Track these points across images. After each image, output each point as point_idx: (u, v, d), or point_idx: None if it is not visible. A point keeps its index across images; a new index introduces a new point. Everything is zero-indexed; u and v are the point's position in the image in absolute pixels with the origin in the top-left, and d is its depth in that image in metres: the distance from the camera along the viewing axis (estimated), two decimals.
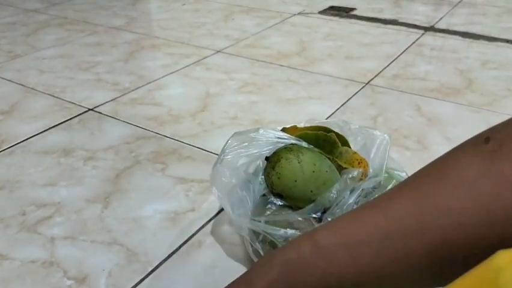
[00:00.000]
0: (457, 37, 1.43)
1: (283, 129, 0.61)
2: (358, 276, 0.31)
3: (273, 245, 0.52)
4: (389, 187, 0.56)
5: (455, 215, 0.28)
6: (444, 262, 0.29)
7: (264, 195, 0.57)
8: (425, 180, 0.31)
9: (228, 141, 0.59)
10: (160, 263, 0.59)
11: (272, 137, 0.58)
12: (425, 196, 0.30)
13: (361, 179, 0.55)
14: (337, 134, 0.61)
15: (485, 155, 0.29)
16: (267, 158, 0.56)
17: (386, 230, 0.30)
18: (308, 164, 0.54)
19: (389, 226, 0.30)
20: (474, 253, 0.27)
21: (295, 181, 0.53)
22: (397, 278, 0.31)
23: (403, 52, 1.31)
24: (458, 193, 0.29)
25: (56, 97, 1.05)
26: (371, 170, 0.59)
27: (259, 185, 0.56)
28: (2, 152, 0.84)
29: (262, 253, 0.53)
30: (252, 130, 0.59)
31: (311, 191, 0.53)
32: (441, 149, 0.84)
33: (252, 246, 0.53)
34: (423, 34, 1.45)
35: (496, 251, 0.23)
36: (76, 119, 0.95)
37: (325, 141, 0.60)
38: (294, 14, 1.67)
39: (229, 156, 0.57)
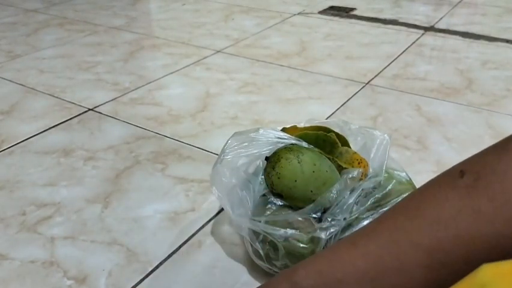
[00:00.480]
0: (457, 37, 1.43)
1: (283, 129, 0.61)
2: None
3: (272, 245, 0.52)
4: (389, 187, 0.56)
5: (434, 253, 0.28)
6: None
7: (264, 195, 0.57)
8: (402, 217, 0.31)
9: (228, 141, 0.59)
10: (160, 263, 0.59)
11: (272, 137, 0.58)
12: (403, 233, 0.30)
13: (361, 179, 0.55)
14: (337, 134, 0.61)
15: (461, 190, 0.29)
16: (267, 158, 0.56)
17: (364, 269, 0.31)
18: (308, 164, 0.54)
19: (367, 265, 0.31)
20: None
21: (295, 181, 0.53)
22: None
23: (403, 52, 1.31)
24: (436, 231, 0.29)
25: (56, 97, 1.05)
26: (371, 170, 0.59)
27: (259, 185, 0.56)
28: (2, 152, 0.84)
29: (262, 253, 0.53)
30: (252, 130, 0.59)
31: (311, 191, 0.53)
32: (441, 149, 0.84)
33: (252, 246, 0.53)
34: (423, 34, 1.45)
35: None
36: (76, 119, 0.95)
37: (325, 141, 0.60)
38: (294, 14, 1.67)
39: (229, 156, 0.57)
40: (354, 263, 0.31)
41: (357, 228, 0.52)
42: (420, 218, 0.30)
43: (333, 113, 0.97)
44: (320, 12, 1.70)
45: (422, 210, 0.30)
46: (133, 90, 1.08)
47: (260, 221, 0.52)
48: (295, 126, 0.63)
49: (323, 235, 0.50)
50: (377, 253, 0.31)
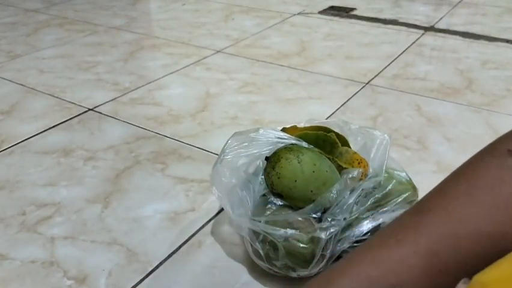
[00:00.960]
0: (457, 37, 1.43)
1: (283, 129, 0.61)
2: None
3: (272, 245, 0.52)
4: (389, 187, 0.56)
5: (497, 240, 0.27)
6: None
7: (264, 195, 0.57)
8: (454, 204, 0.29)
9: (228, 141, 0.59)
10: (160, 263, 0.59)
11: (272, 137, 0.58)
12: (460, 224, 0.28)
13: (361, 179, 0.55)
14: (337, 134, 0.61)
15: None
16: (267, 158, 0.56)
17: (421, 269, 0.28)
18: (308, 164, 0.54)
19: (422, 263, 0.28)
20: None
21: (295, 181, 0.53)
22: None
23: (403, 52, 1.31)
24: (495, 215, 0.27)
25: (56, 97, 1.05)
26: (371, 170, 0.59)
27: (259, 185, 0.56)
28: (2, 152, 0.84)
29: (262, 253, 0.53)
30: (252, 130, 0.59)
31: (311, 191, 0.53)
32: (441, 149, 0.84)
33: (252, 246, 0.53)
34: (423, 34, 1.45)
35: None
36: (76, 119, 0.95)
37: (325, 141, 0.60)
38: (294, 14, 1.67)
39: (229, 156, 0.57)
40: (406, 262, 0.28)
41: (358, 228, 0.52)
42: (476, 205, 0.28)
43: (333, 113, 0.97)
44: (320, 12, 1.70)
45: (477, 196, 0.28)
46: (133, 90, 1.08)
47: (260, 221, 0.52)
48: (295, 126, 0.63)
49: (323, 235, 0.50)
50: (432, 248, 0.28)
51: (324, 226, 0.51)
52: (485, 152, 0.30)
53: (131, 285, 0.56)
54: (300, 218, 0.52)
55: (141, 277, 0.57)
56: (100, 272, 0.58)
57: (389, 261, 0.29)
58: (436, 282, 0.27)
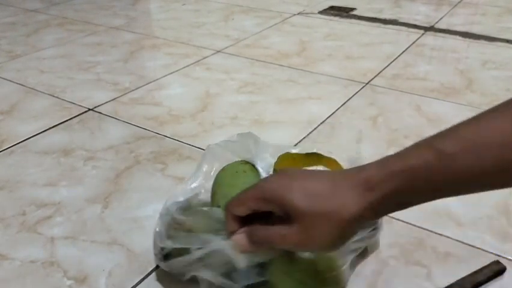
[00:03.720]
0: (457, 37, 1.43)
1: (279, 157, 0.56)
2: (481, 177, 0.34)
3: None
4: None
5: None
6: None
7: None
8: None
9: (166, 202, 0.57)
10: None
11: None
12: None
13: None
14: (329, 161, 0.56)
15: None
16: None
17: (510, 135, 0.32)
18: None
19: None
20: None
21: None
22: None
23: (403, 52, 1.31)
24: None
25: (56, 97, 1.05)
26: None
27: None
28: (2, 152, 0.84)
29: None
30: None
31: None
32: None
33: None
34: (423, 34, 1.45)
35: None
36: (76, 119, 0.95)
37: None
38: (294, 14, 1.67)
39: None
40: (501, 129, 0.33)
41: None
42: None
43: (333, 113, 0.97)
44: (320, 12, 1.70)
45: None
46: (133, 90, 1.08)
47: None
48: (289, 153, 0.58)
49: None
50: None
51: None
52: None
53: (131, 285, 0.56)
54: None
55: (141, 277, 0.57)
56: (100, 272, 0.58)
57: (487, 128, 0.34)
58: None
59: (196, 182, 0.58)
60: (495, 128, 0.33)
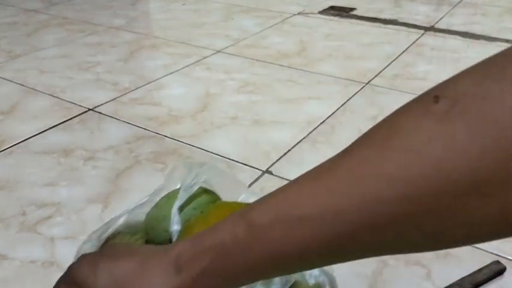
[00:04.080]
0: (457, 37, 1.43)
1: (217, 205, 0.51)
2: (302, 253, 0.29)
3: None
4: None
5: (400, 185, 0.25)
6: (394, 236, 0.27)
7: None
8: (367, 147, 0.28)
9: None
10: None
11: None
12: (368, 164, 0.27)
13: None
14: None
15: (435, 116, 0.26)
16: None
17: (327, 206, 0.27)
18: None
19: (330, 201, 0.27)
20: (425, 223, 0.25)
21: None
22: (348, 250, 0.29)
23: (403, 52, 1.31)
24: (405, 160, 0.25)
25: (56, 97, 1.05)
26: None
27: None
28: (2, 152, 0.84)
29: None
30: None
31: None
32: None
33: None
34: (423, 34, 1.45)
35: (448, 223, 0.23)
36: (76, 119, 0.95)
37: None
38: (294, 14, 1.67)
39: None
40: (315, 199, 0.28)
41: None
42: (387, 149, 0.27)
43: (333, 113, 0.97)
44: (320, 12, 1.70)
45: (390, 140, 0.27)
46: (133, 90, 1.08)
47: None
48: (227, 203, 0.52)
49: None
50: (340, 188, 0.27)
51: None
52: (414, 99, 0.29)
53: None
54: None
55: None
56: None
57: (302, 197, 0.29)
58: (339, 221, 0.27)
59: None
60: (309, 198, 0.28)
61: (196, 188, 0.49)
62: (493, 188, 0.24)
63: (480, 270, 0.57)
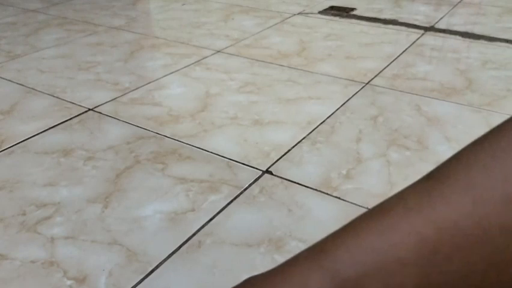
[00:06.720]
0: (457, 37, 1.43)
1: None
2: None
3: None
4: None
5: None
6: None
7: None
8: (477, 168, 0.24)
9: None
10: (160, 263, 0.59)
11: None
12: (480, 189, 0.23)
13: None
14: None
15: None
16: None
17: (435, 241, 0.23)
18: None
19: (438, 235, 0.23)
20: None
21: None
22: None
23: (403, 52, 1.31)
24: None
25: (56, 97, 1.05)
26: None
27: None
28: (2, 152, 0.84)
29: None
30: None
31: None
32: (441, 149, 0.84)
33: None
34: (423, 34, 1.45)
35: None
36: (76, 119, 0.95)
37: None
38: (294, 14, 1.67)
39: None
40: (419, 234, 0.23)
41: None
42: (502, 168, 0.23)
43: (333, 113, 0.97)
44: (320, 12, 1.70)
45: (503, 159, 0.23)
46: (133, 90, 1.08)
47: None
48: None
49: None
50: (452, 218, 0.22)
51: None
52: (509, 119, 0.25)
53: (131, 285, 0.56)
54: None
55: (141, 277, 0.57)
56: (100, 272, 0.58)
57: (398, 231, 0.23)
58: (455, 259, 0.22)
59: None
60: (410, 233, 0.23)
61: None
62: None
63: None
